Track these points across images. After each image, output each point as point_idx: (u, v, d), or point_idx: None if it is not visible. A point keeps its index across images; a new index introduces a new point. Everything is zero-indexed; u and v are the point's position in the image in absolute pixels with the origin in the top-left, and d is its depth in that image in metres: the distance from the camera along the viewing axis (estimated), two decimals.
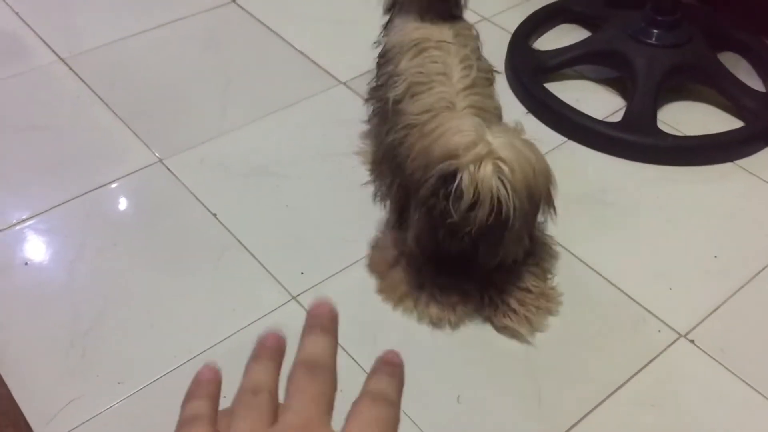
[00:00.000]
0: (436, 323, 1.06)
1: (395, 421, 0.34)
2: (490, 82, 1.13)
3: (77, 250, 1.18)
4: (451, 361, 1.03)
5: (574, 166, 1.33)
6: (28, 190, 1.28)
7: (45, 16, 1.67)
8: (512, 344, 1.05)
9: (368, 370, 0.35)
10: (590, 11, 1.65)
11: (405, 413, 0.85)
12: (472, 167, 0.89)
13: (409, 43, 1.12)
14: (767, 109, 1.40)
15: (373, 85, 1.23)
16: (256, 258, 1.16)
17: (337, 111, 1.39)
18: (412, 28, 1.15)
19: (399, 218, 1.09)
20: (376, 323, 1.06)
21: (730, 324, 1.08)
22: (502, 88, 1.44)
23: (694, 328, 1.08)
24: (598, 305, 1.10)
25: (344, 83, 1.50)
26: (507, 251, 0.99)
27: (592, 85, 1.51)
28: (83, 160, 1.33)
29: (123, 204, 1.28)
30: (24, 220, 1.22)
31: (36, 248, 1.19)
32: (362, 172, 1.28)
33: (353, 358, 1.00)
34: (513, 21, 1.63)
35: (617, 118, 1.40)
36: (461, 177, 0.89)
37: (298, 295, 1.11)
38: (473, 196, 0.89)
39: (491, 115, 1.06)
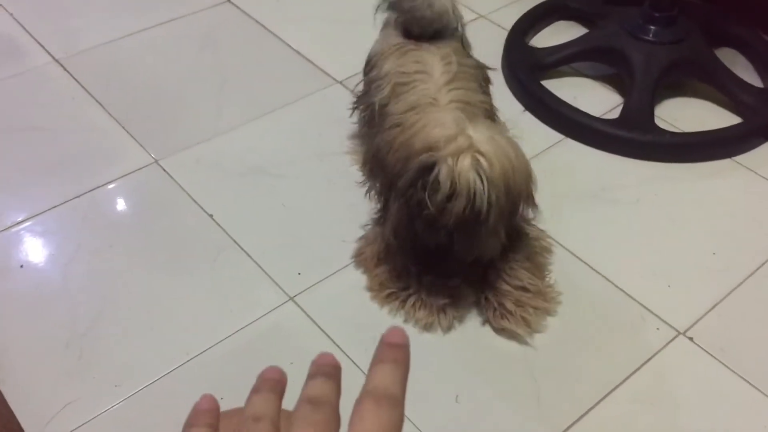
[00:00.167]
0: (425, 328, 1.04)
1: (399, 423, 0.33)
2: (476, 77, 1.13)
3: (73, 252, 1.17)
4: (450, 361, 1.03)
5: (572, 164, 1.32)
6: (24, 192, 1.27)
7: (39, 17, 1.67)
8: (510, 343, 1.05)
9: (366, 370, 0.35)
10: (587, 8, 1.64)
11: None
12: (450, 160, 0.89)
13: (390, 49, 1.14)
14: (765, 105, 1.40)
15: (360, 93, 1.24)
16: (252, 258, 1.16)
17: (334, 110, 1.39)
18: (393, 36, 1.17)
19: (382, 213, 1.08)
20: (374, 323, 1.05)
21: (729, 321, 1.08)
22: (499, 86, 1.44)
23: (692, 325, 1.07)
24: (596, 303, 1.10)
25: (340, 82, 1.49)
26: (483, 246, 0.99)
27: (589, 82, 1.51)
28: (79, 161, 1.33)
29: (119, 205, 1.27)
30: (19, 222, 1.22)
31: (31, 250, 1.18)
32: (358, 172, 1.27)
33: (351, 359, 0.99)
34: (510, 18, 1.62)
35: (615, 115, 1.39)
36: (439, 169, 0.89)
37: (295, 296, 1.10)
38: (450, 188, 0.89)
39: (477, 109, 1.07)
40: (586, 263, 1.15)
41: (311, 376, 0.36)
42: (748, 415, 0.97)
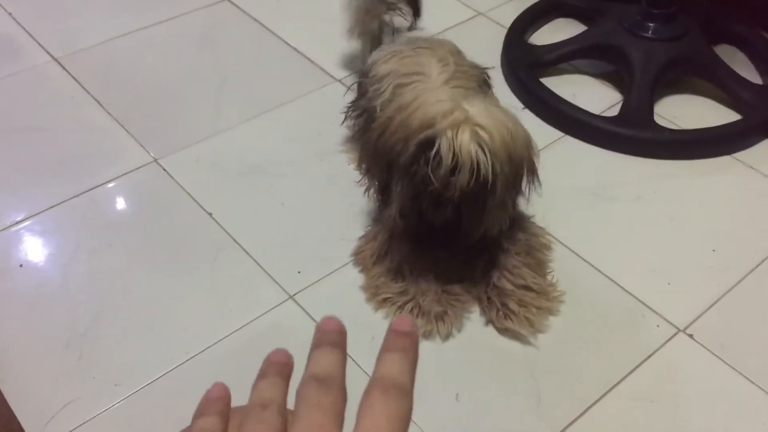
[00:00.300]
0: (423, 336, 1.03)
1: (408, 412, 0.33)
2: (475, 78, 1.14)
3: (73, 251, 1.17)
4: (450, 359, 1.03)
5: (571, 161, 1.32)
6: (23, 192, 1.27)
7: (38, 16, 1.66)
8: (510, 342, 1.05)
9: (367, 369, 0.35)
10: (586, 5, 1.64)
11: None
12: (450, 133, 0.90)
13: (387, 55, 1.16)
14: (765, 101, 1.40)
15: (354, 99, 1.25)
16: (252, 257, 1.16)
17: (333, 108, 1.39)
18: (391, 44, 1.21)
19: (381, 197, 1.08)
20: (374, 322, 1.05)
21: (729, 318, 1.08)
22: (498, 84, 1.44)
23: (692, 322, 1.07)
24: (596, 301, 1.10)
25: (339, 80, 1.49)
26: (491, 219, 0.99)
27: (588, 79, 1.51)
28: (78, 160, 1.33)
29: (118, 204, 1.27)
30: (18, 222, 1.22)
31: (31, 250, 1.18)
32: (356, 171, 1.27)
33: (351, 357, 0.99)
34: (508, 16, 1.62)
35: (614, 112, 1.39)
36: (440, 143, 0.90)
37: (295, 294, 1.10)
38: (452, 161, 0.90)
39: None
40: (585, 261, 1.15)
41: (316, 345, 0.36)
42: (748, 412, 0.97)
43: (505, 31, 1.58)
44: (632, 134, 1.34)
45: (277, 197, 1.26)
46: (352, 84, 1.28)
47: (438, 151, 0.90)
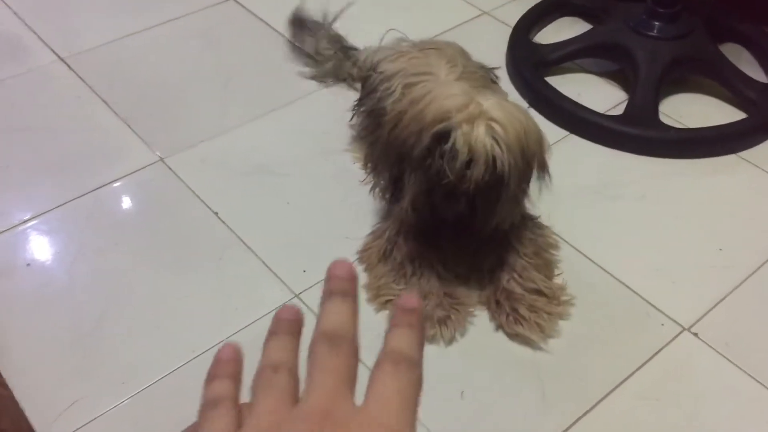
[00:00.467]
0: (427, 340, 1.03)
1: (418, 383, 0.33)
2: (483, 79, 1.15)
3: (79, 251, 1.18)
4: (455, 357, 1.03)
5: (576, 160, 1.32)
6: (29, 191, 1.28)
7: (44, 15, 1.67)
8: (515, 341, 1.05)
9: (372, 368, 0.35)
10: (591, 4, 1.64)
11: None
12: (465, 126, 0.91)
13: (395, 54, 1.17)
14: None
15: (361, 94, 1.25)
16: (258, 256, 1.16)
17: (338, 108, 1.39)
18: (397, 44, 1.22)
19: (393, 191, 1.08)
20: (378, 320, 1.06)
21: (734, 317, 1.08)
22: (504, 83, 1.44)
23: (697, 321, 1.07)
24: (601, 299, 1.10)
25: (344, 80, 1.49)
26: (503, 212, 0.99)
27: (593, 78, 1.51)
28: (84, 159, 1.33)
29: (124, 203, 1.28)
30: (25, 221, 1.22)
31: (38, 249, 1.19)
32: (362, 170, 1.27)
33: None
34: (513, 15, 1.62)
35: (619, 111, 1.39)
36: (455, 137, 0.90)
37: (300, 293, 1.10)
38: (468, 154, 0.90)
39: None
40: (590, 259, 1.15)
41: (327, 295, 0.36)
42: (753, 411, 0.97)
43: (510, 30, 1.58)
44: (637, 133, 1.34)
45: (283, 196, 1.26)
46: (359, 80, 1.28)
47: (453, 145, 0.91)
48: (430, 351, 1.03)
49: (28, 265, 1.16)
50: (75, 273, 1.15)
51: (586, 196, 1.26)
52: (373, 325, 1.04)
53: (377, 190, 1.17)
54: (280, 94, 1.46)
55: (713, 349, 1.04)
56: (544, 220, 1.17)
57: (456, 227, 1.04)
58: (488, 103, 0.93)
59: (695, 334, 1.06)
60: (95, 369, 1.02)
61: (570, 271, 1.12)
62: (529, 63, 1.48)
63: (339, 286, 0.36)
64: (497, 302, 1.06)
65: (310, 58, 1.47)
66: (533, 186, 1.02)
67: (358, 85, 1.32)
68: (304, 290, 1.11)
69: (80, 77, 1.51)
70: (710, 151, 1.34)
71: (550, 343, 1.04)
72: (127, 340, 1.06)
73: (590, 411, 0.97)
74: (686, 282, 1.13)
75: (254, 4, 1.70)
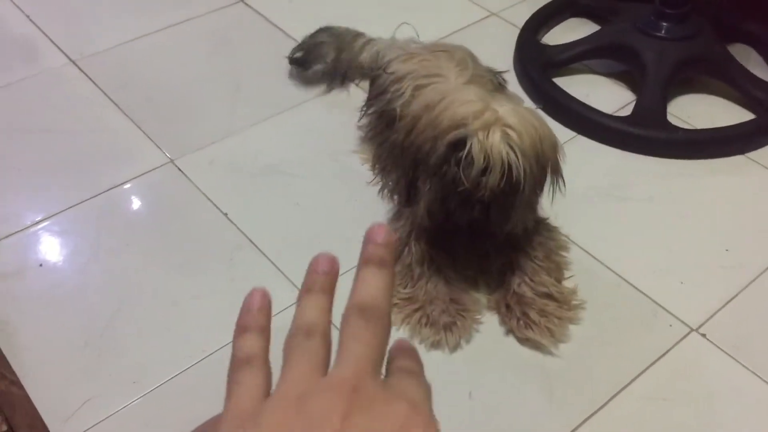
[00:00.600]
0: (431, 346, 1.03)
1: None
2: (491, 83, 1.15)
3: (91, 251, 1.19)
4: (463, 357, 1.03)
5: (584, 161, 1.32)
6: (41, 192, 1.29)
7: (56, 19, 1.68)
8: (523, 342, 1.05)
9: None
10: (599, 5, 1.64)
11: None
12: (481, 134, 0.91)
13: (404, 55, 1.18)
14: None
15: (370, 94, 1.26)
16: (267, 257, 1.17)
17: (347, 109, 1.40)
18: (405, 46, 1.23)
19: (408, 196, 1.08)
20: None
21: (742, 317, 1.08)
22: (512, 84, 1.44)
23: (705, 322, 1.07)
24: (608, 300, 1.10)
25: (354, 82, 1.50)
26: (518, 217, 1.00)
27: (601, 79, 1.51)
28: (95, 161, 1.34)
29: (135, 204, 1.29)
30: (38, 222, 1.24)
31: (50, 250, 1.20)
32: (370, 171, 1.28)
33: None
34: (521, 16, 1.62)
35: (627, 112, 1.39)
36: (471, 144, 0.91)
37: None
38: (484, 162, 0.91)
39: None
40: (598, 260, 1.16)
41: (364, 262, 0.35)
42: (761, 411, 0.98)
43: (517, 31, 1.58)
44: (645, 134, 1.34)
45: (292, 197, 1.27)
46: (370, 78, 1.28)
47: (469, 152, 0.91)
48: (437, 355, 1.03)
49: (41, 265, 1.17)
50: (86, 273, 1.16)
51: (594, 197, 1.26)
52: None
53: (386, 191, 1.18)
54: (288, 95, 1.47)
55: (721, 349, 1.04)
56: (552, 220, 1.17)
57: (470, 232, 1.04)
58: (503, 109, 0.93)
59: (703, 335, 1.06)
60: (107, 368, 1.03)
61: (577, 271, 1.13)
62: (537, 64, 1.49)
63: (376, 254, 0.36)
64: (507, 306, 1.06)
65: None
66: (547, 190, 1.02)
67: (365, 84, 1.33)
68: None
69: (91, 79, 1.52)
70: (718, 151, 1.34)
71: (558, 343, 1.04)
72: (138, 340, 1.07)
73: (598, 412, 0.97)
74: (694, 283, 1.13)
75: (263, 7, 1.71)
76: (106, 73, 1.54)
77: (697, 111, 1.42)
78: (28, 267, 1.17)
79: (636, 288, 1.12)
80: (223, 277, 1.15)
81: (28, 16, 1.69)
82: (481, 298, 1.10)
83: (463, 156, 0.91)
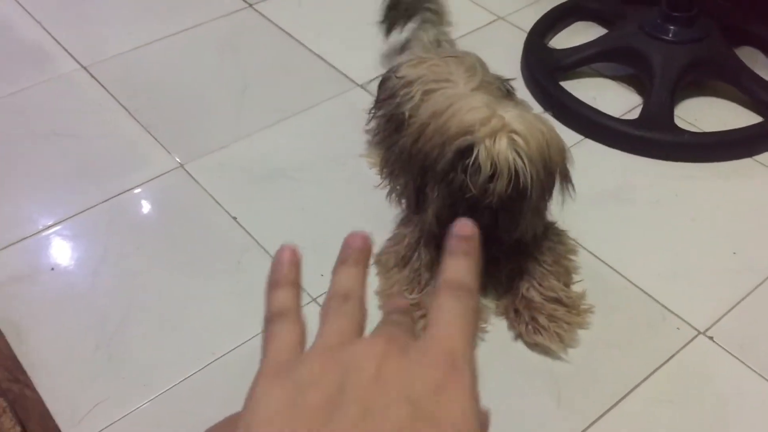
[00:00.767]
0: None
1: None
2: (499, 90, 1.15)
3: (101, 255, 1.20)
4: None
5: (592, 165, 1.33)
6: (53, 197, 1.30)
7: (67, 25, 1.70)
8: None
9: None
10: (606, 8, 1.64)
11: None
12: (488, 141, 0.91)
13: (414, 60, 1.18)
14: None
15: (378, 96, 1.26)
16: None
17: (355, 114, 1.41)
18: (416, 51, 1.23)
19: (416, 202, 1.09)
20: None
21: (749, 320, 1.08)
22: (519, 88, 1.44)
23: (713, 324, 1.08)
24: (616, 303, 1.11)
25: (361, 86, 1.51)
26: (526, 223, 1.00)
27: (608, 82, 1.51)
28: (106, 166, 1.36)
29: (145, 209, 1.30)
30: (49, 227, 1.25)
31: (62, 254, 1.21)
32: (377, 175, 1.29)
33: None
34: (528, 20, 1.63)
35: (634, 115, 1.40)
36: (478, 151, 0.91)
37: (317, 297, 1.12)
38: (491, 168, 0.91)
39: None
40: (606, 263, 1.16)
41: (451, 254, 0.36)
42: None
43: (524, 35, 1.59)
44: (652, 137, 1.35)
45: (300, 201, 1.28)
46: (373, 79, 1.29)
47: (476, 159, 0.91)
48: None
49: (52, 269, 1.18)
50: (97, 277, 1.17)
51: (602, 200, 1.27)
52: None
53: (394, 195, 1.19)
54: (296, 100, 1.48)
55: (728, 352, 1.04)
56: (560, 224, 1.17)
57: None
58: (510, 115, 0.93)
59: (710, 338, 1.06)
60: (118, 371, 1.04)
61: (585, 274, 1.13)
62: (544, 68, 1.49)
63: (464, 247, 0.36)
64: (516, 311, 1.06)
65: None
66: (556, 196, 1.02)
67: (372, 87, 1.33)
68: (322, 294, 1.12)
69: (102, 85, 1.53)
70: (726, 154, 1.34)
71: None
72: (148, 342, 1.08)
73: (605, 414, 0.98)
74: (701, 285, 1.13)
75: (272, 12, 1.72)
76: (116, 78, 1.55)
77: (704, 114, 1.42)
78: (40, 271, 1.18)
79: (643, 291, 1.12)
80: (232, 280, 1.16)
81: (39, 22, 1.70)
82: (490, 303, 1.10)
83: (470, 163, 0.92)
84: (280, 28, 1.68)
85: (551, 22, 1.63)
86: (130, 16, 1.73)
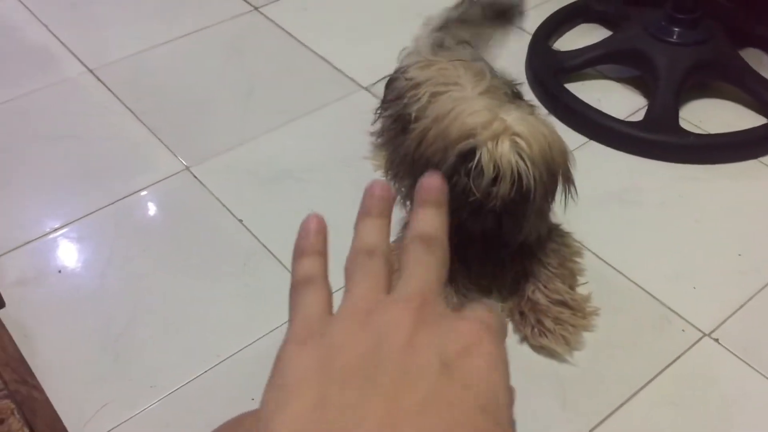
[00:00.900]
0: None
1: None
2: (508, 96, 1.15)
3: (108, 258, 1.21)
4: None
5: (597, 167, 1.33)
6: (59, 200, 1.31)
7: (73, 28, 1.71)
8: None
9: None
10: (610, 10, 1.65)
11: None
12: (490, 144, 0.92)
13: (423, 62, 1.18)
14: None
15: (386, 100, 1.26)
16: (281, 263, 1.18)
17: (360, 116, 1.41)
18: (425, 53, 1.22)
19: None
20: None
21: (754, 322, 1.08)
22: (523, 90, 1.45)
23: (718, 326, 1.08)
24: (621, 305, 1.11)
25: (366, 88, 1.52)
26: (530, 225, 1.00)
27: (613, 84, 1.51)
28: (112, 169, 1.36)
29: (151, 211, 1.31)
30: (57, 229, 1.26)
31: (69, 256, 1.22)
32: (383, 177, 1.29)
33: None
34: (533, 22, 1.63)
35: (639, 117, 1.40)
36: (480, 154, 0.91)
37: None
38: (494, 171, 0.91)
39: None
40: (610, 265, 1.16)
41: (420, 203, 0.36)
42: None
43: (529, 37, 1.59)
44: (657, 139, 1.35)
45: (306, 203, 1.28)
46: (380, 80, 1.28)
47: (479, 162, 0.91)
48: None
49: (59, 271, 1.19)
50: (104, 279, 1.18)
51: (606, 202, 1.27)
52: None
53: (399, 197, 1.19)
54: (302, 102, 1.49)
55: (734, 354, 1.04)
56: (565, 226, 1.17)
57: (483, 241, 1.05)
58: (511, 118, 0.93)
59: (716, 340, 1.06)
60: (124, 373, 1.05)
61: (590, 276, 1.13)
62: (549, 70, 1.49)
63: (432, 197, 0.36)
64: (521, 313, 1.06)
65: None
66: (559, 198, 1.02)
67: (377, 89, 1.33)
68: (333, 292, 1.12)
69: (108, 88, 1.54)
70: (731, 156, 1.34)
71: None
72: (155, 344, 1.08)
73: (610, 416, 0.98)
74: (706, 287, 1.13)
75: (277, 15, 1.73)
76: (122, 81, 1.56)
77: (709, 116, 1.42)
78: (47, 273, 1.19)
79: (648, 293, 1.12)
80: (238, 282, 1.16)
81: (46, 26, 1.71)
82: (495, 305, 1.11)
83: (473, 166, 0.92)
84: (286, 31, 1.68)
85: (556, 25, 1.63)
86: (136, 19, 1.74)
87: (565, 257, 1.12)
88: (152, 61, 1.62)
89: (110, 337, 1.09)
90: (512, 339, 1.07)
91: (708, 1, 1.42)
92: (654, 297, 1.12)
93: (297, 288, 0.36)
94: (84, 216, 1.28)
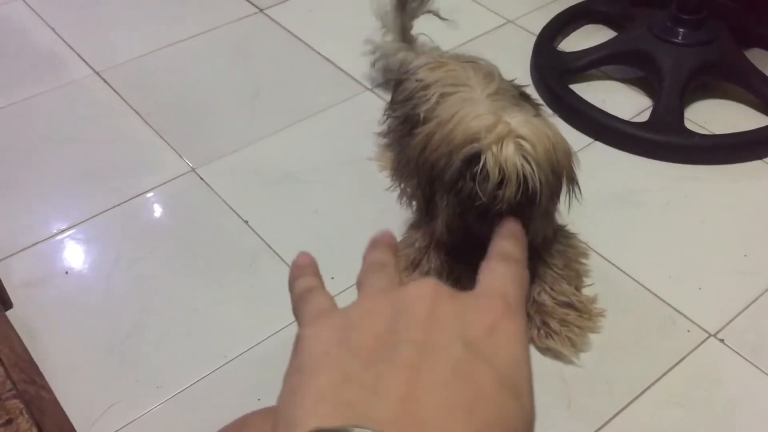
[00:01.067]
0: None
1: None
2: (515, 99, 1.16)
3: (114, 259, 1.22)
4: None
5: (602, 167, 1.33)
6: (66, 201, 1.32)
7: (80, 31, 1.72)
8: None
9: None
10: (615, 11, 1.65)
11: None
12: (494, 148, 0.91)
13: (433, 62, 1.18)
14: None
15: (395, 100, 1.26)
16: (287, 264, 1.19)
17: (365, 117, 1.41)
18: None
19: (426, 211, 1.09)
20: None
21: (760, 323, 1.08)
22: (528, 91, 1.45)
23: (723, 327, 1.08)
24: (626, 306, 1.11)
25: (371, 89, 1.52)
26: (536, 228, 1.00)
27: (618, 85, 1.51)
28: (119, 170, 1.37)
29: (158, 213, 1.31)
30: (63, 231, 1.27)
31: (75, 257, 1.23)
32: (388, 178, 1.30)
33: None
34: (538, 23, 1.63)
35: (644, 118, 1.40)
36: (485, 158, 0.91)
37: None
38: (499, 175, 0.91)
39: None
40: (616, 266, 1.16)
41: (502, 237, 0.38)
42: None
43: (534, 39, 1.59)
44: (662, 139, 1.35)
45: (311, 204, 1.29)
46: (382, 83, 1.29)
47: (484, 166, 0.91)
48: None
49: (66, 273, 1.20)
50: (111, 280, 1.18)
51: (611, 203, 1.27)
52: None
53: (404, 198, 1.19)
54: (307, 104, 1.49)
55: (739, 354, 1.04)
56: (570, 227, 1.18)
57: (490, 243, 1.04)
58: (515, 120, 0.93)
59: (721, 340, 1.06)
60: (131, 373, 1.06)
61: (595, 277, 1.13)
62: (554, 71, 1.50)
63: (513, 232, 0.38)
64: (527, 315, 1.06)
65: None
66: (563, 199, 1.03)
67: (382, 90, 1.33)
68: (333, 296, 1.13)
69: (115, 90, 1.55)
70: (736, 157, 1.34)
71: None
72: (161, 345, 1.09)
73: (615, 417, 0.98)
74: (712, 288, 1.13)
75: (282, 17, 1.73)
76: (129, 83, 1.57)
77: (714, 116, 1.42)
78: (54, 274, 1.19)
79: (653, 293, 1.12)
80: (244, 283, 1.17)
81: (53, 29, 1.72)
82: None
83: (478, 170, 0.92)
84: (291, 33, 1.69)
85: (560, 26, 1.63)
86: (142, 21, 1.75)
87: (571, 258, 1.12)
88: (158, 63, 1.63)
89: (117, 338, 1.10)
90: None
91: (713, 2, 1.42)
92: (659, 298, 1.12)
93: (299, 299, 0.36)
94: (91, 217, 1.28)
